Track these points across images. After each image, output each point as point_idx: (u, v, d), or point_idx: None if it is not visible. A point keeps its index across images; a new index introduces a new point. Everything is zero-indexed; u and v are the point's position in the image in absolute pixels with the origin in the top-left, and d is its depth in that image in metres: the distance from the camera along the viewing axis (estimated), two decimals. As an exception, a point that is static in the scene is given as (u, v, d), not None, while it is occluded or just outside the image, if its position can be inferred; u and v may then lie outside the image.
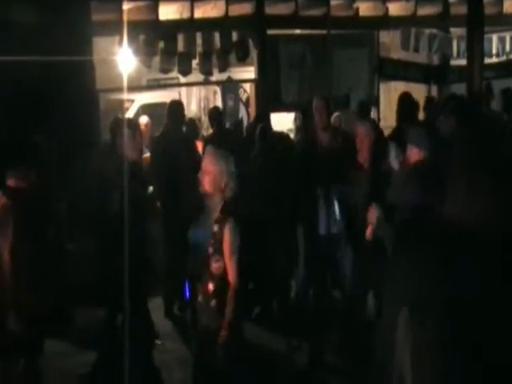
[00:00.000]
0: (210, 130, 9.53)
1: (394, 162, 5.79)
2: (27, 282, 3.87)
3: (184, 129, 8.45)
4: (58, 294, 4.03)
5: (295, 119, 9.56)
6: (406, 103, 7.85)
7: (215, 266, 4.45)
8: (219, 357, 4.38)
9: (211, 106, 12.46)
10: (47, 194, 4.37)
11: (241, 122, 9.81)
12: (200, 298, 4.54)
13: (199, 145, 8.52)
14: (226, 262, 4.46)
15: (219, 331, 4.37)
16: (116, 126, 6.64)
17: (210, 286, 4.46)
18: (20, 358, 3.86)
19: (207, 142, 7.98)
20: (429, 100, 9.49)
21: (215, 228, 4.48)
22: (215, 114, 9.03)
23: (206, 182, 4.53)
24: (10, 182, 4.01)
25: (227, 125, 10.28)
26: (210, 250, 4.46)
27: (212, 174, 4.50)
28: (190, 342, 6.10)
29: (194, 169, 5.05)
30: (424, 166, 4.77)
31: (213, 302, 4.46)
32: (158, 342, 6.84)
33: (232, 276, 4.45)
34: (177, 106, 7.97)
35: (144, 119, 10.25)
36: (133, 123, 6.63)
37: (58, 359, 6.24)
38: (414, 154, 4.95)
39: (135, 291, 5.03)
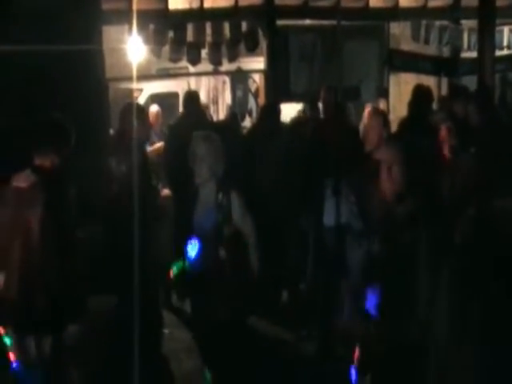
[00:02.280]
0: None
1: None
2: (55, 260, 3.96)
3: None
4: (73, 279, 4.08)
5: (303, 110, 9.54)
6: (419, 95, 7.79)
7: (227, 230, 4.41)
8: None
9: (220, 96, 12.44)
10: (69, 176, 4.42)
11: (236, 115, 9.77)
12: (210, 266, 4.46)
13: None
14: (239, 225, 4.41)
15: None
16: (127, 112, 6.60)
17: (222, 252, 4.40)
18: (47, 335, 3.91)
19: None
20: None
21: (219, 197, 4.45)
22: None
23: (202, 168, 4.47)
24: (39, 161, 4.10)
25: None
26: (220, 217, 4.42)
27: (205, 158, 4.45)
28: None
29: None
30: None
31: (226, 267, 4.40)
32: (165, 331, 6.85)
33: (249, 231, 4.40)
34: (193, 96, 7.96)
35: (154, 108, 10.23)
36: (141, 109, 6.58)
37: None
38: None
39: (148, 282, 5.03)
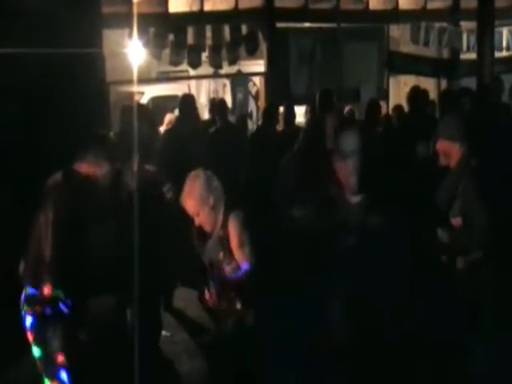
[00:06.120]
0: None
1: None
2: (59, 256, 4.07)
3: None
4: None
5: (306, 112, 9.56)
6: (415, 97, 7.84)
7: (227, 269, 4.29)
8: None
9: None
10: None
11: (245, 115, 9.78)
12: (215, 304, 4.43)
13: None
14: (236, 256, 4.24)
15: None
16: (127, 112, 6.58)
17: (226, 289, 4.28)
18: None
19: (212, 135, 7.98)
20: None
21: (221, 233, 4.29)
22: (221, 107, 8.88)
23: (192, 206, 4.32)
24: (77, 167, 4.23)
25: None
26: (220, 255, 4.29)
27: (198, 198, 4.29)
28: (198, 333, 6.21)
29: (205, 162, 5.01)
30: None
31: (232, 305, 4.30)
32: (166, 333, 6.86)
33: (242, 260, 4.23)
34: (189, 100, 7.95)
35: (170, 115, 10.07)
36: (144, 109, 6.56)
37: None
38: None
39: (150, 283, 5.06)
